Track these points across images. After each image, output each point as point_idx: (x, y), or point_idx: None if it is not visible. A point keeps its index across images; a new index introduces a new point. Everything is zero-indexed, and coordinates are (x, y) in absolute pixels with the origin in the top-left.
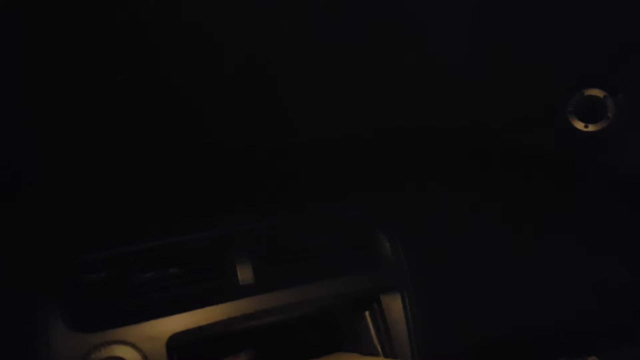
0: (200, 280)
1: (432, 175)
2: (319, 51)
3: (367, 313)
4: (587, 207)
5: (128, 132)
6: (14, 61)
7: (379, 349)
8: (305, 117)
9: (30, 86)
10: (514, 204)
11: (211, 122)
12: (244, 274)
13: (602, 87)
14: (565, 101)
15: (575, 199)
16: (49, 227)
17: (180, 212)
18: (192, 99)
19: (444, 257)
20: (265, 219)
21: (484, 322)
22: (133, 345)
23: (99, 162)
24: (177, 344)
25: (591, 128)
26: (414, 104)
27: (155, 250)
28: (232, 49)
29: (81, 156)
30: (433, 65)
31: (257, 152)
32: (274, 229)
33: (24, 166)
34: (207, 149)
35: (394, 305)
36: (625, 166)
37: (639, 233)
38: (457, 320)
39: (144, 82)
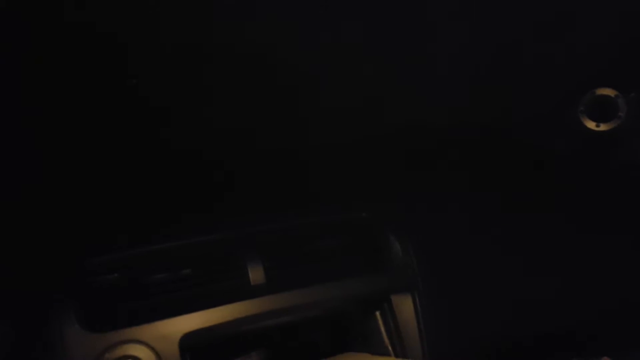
0: (213, 280)
1: (442, 176)
2: (327, 53)
3: (377, 313)
4: (599, 208)
5: (138, 131)
6: (14, 61)
7: (390, 349)
8: (316, 119)
9: (31, 86)
10: (525, 204)
11: (222, 124)
12: (256, 275)
13: (613, 86)
14: (577, 100)
15: (588, 199)
16: (62, 229)
17: (192, 214)
18: (202, 100)
19: (455, 257)
20: (276, 220)
21: (496, 322)
22: (146, 345)
23: (110, 162)
24: (190, 343)
25: (603, 127)
26: (425, 104)
27: (167, 252)
28: (240, 52)
29: (91, 157)
30: (442, 67)
31: (268, 153)
32: (285, 230)
33: (29, 167)
34: (219, 151)
35: (405, 306)
36: (638, 165)
37: None
38: (469, 320)
39: (151, 84)
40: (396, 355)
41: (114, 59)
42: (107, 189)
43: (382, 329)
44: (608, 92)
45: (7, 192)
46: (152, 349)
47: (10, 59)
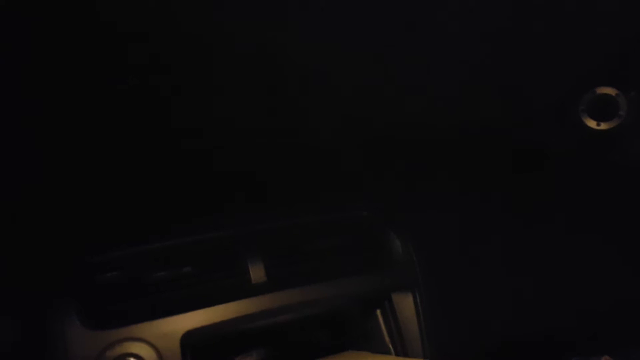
0: (213, 279)
1: (443, 175)
2: (332, 51)
3: (378, 312)
4: (600, 207)
5: (137, 131)
6: (14, 61)
7: (391, 348)
8: (316, 118)
9: (31, 86)
10: (526, 203)
11: (222, 124)
12: (256, 273)
13: (614, 85)
14: (577, 100)
15: (588, 198)
16: (63, 228)
17: (192, 212)
18: (201, 100)
19: (455, 256)
20: (277, 219)
21: (496, 321)
22: (148, 342)
23: (110, 162)
24: (191, 341)
25: (603, 126)
26: (425, 104)
27: (168, 250)
28: (243, 50)
29: (90, 156)
30: (442, 66)
31: (268, 153)
32: (285, 229)
33: (29, 167)
34: (219, 150)
35: (406, 304)
36: (638, 165)
37: None
38: (469, 319)
39: (152, 82)
40: (397, 354)
41: (114, 58)
42: (107, 188)
43: (383, 327)
44: (609, 91)
45: (7, 192)
46: (154, 346)
47: (10, 58)
